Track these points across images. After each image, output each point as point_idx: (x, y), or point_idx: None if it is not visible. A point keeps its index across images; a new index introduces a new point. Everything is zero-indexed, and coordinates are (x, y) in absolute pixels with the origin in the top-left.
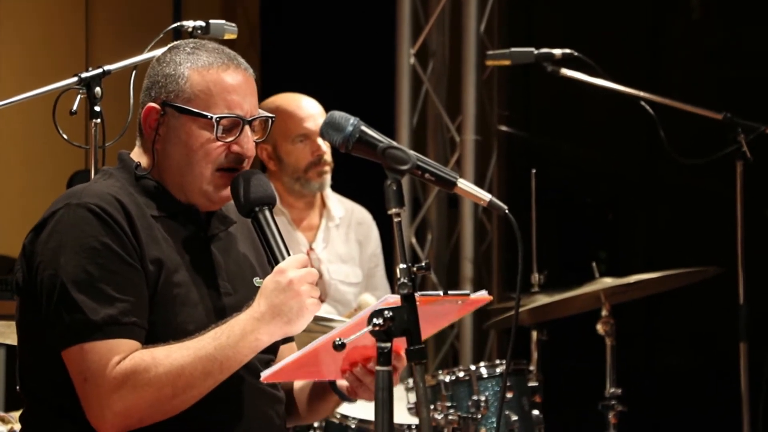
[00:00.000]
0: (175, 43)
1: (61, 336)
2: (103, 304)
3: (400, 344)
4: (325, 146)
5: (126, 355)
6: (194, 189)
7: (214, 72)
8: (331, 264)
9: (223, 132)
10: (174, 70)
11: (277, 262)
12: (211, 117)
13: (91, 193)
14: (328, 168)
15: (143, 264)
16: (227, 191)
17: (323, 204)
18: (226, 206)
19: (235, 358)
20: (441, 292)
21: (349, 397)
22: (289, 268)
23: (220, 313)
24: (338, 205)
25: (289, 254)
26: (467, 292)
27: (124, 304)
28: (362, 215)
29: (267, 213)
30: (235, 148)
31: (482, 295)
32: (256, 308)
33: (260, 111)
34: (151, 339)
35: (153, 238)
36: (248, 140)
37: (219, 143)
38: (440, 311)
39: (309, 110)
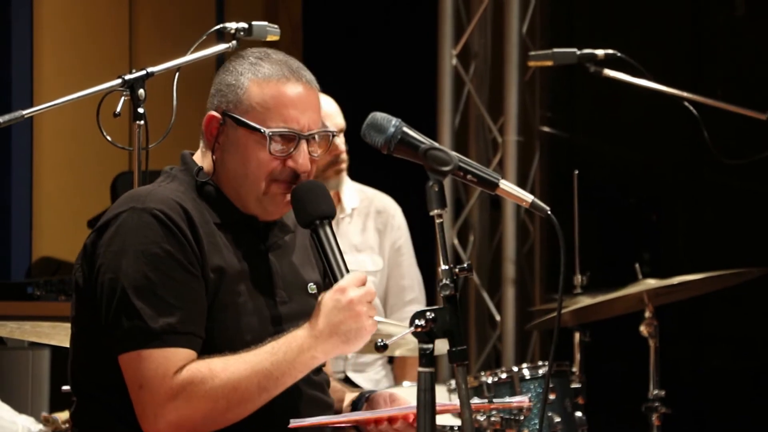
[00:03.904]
0: (243, 51)
1: (119, 341)
2: (162, 312)
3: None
4: (342, 145)
5: (183, 364)
6: (250, 200)
7: (273, 84)
8: (345, 255)
9: (278, 147)
10: (235, 80)
11: (336, 279)
12: (265, 131)
13: (156, 198)
14: (344, 166)
15: (204, 272)
16: (284, 202)
17: (338, 197)
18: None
19: (291, 374)
20: (486, 401)
21: None
22: (350, 286)
23: (276, 322)
24: (354, 194)
25: (348, 271)
26: (510, 400)
27: (183, 312)
28: (383, 203)
29: (327, 228)
30: (289, 163)
31: (521, 401)
32: (314, 325)
33: (324, 124)
34: (207, 346)
35: (215, 246)
36: (303, 156)
37: (273, 157)
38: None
39: (326, 110)
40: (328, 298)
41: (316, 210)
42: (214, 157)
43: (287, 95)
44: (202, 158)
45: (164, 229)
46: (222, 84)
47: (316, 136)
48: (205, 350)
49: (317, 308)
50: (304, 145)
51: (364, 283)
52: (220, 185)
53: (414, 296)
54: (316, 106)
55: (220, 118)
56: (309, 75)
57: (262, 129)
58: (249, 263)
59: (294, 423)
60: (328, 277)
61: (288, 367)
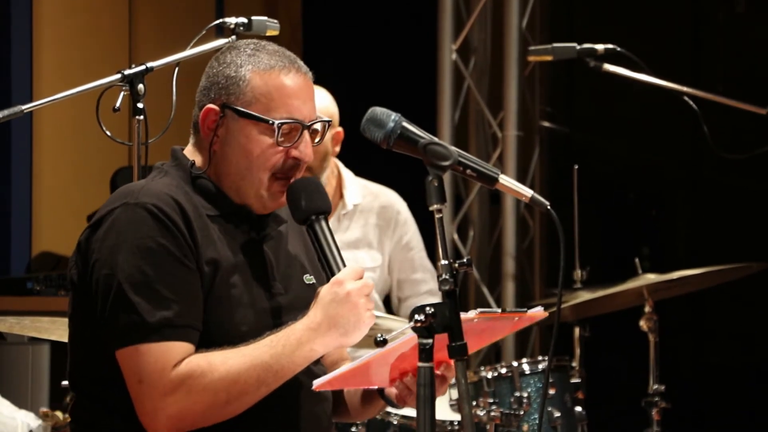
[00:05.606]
0: (235, 43)
1: (117, 336)
2: (158, 306)
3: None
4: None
5: (181, 358)
6: (250, 193)
7: (275, 75)
8: (342, 252)
9: (283, 137)
10: (235, 72)
11: (333, 273)
12: (273, 122)
13: (149, 193)
14: (322, 165)
15: (199, 265)
16: (282, 199)
17: (340, 193)
18: None
19: (290, 368)
20: (499, 309)
21: (397, 403)
22: (347, 279)
23: (272, 313)
24: (356, 191)
25: (344, 265)
26: (524, 309)
27: (180, 306)
28: (388, 199)
29: (323, 223)
30: (294, 153)
31: (538, 312)
32: (312, 318)
33: (319, 114)
34: (204, 339)
35: (209, 239)
36: (307, 145)
37: (278, 148)
38: (495, 326)
39: (319, 103)
40: (325, 291)
41: (311, 206)
42: (213, 149)
43: (290, 85)
44: (193, 153)
45: (158, 223)
46: (219, 76)
47: (318, 125)
48: (202, 343)
49: (315, 301)
50: (306, 134)
51: (361, 277)
52: (217, 178)
53: (429, 288)
54: (313, 95)
55: (219, 110)
56: (304, 66)
57: (270, 120)
58: (244, 255)
59: (317, 384)
60: (326, 271)
61: (287, 361)
